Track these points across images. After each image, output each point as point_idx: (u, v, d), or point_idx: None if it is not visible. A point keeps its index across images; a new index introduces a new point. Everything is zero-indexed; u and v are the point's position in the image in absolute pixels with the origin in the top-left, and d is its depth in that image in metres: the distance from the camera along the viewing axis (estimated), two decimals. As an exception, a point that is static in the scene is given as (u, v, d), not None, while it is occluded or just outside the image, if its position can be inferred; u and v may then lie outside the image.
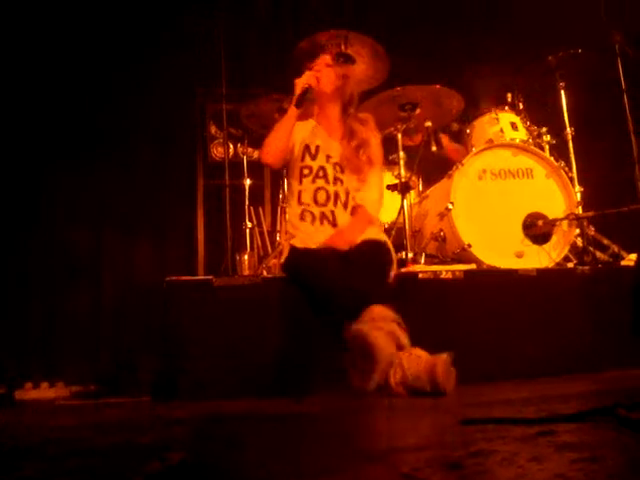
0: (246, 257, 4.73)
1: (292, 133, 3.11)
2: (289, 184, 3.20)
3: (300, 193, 3.08)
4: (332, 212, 3.03)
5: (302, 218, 3.04)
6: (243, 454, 1.24)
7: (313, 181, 3.07)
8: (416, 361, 2.35)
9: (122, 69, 5.25)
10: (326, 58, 3.21)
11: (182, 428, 1.85)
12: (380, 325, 2.39)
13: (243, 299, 2.97)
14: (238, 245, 4.80)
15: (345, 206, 3.04)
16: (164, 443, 1.46)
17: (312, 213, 3.03)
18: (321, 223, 3.02)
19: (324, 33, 3.99)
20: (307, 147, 3.12)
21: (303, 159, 3.11)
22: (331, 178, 3.07)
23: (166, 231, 5.56)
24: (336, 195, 3.05)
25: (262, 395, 2.77)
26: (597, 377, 2.85)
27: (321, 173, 3.07)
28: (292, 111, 3.07)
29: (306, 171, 3.09)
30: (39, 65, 5.09)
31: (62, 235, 5.08)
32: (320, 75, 3.11)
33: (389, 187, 3.89)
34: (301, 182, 3.09)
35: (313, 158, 3.10)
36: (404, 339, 2.43)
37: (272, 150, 3.08)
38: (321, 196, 3.04)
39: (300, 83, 3.07)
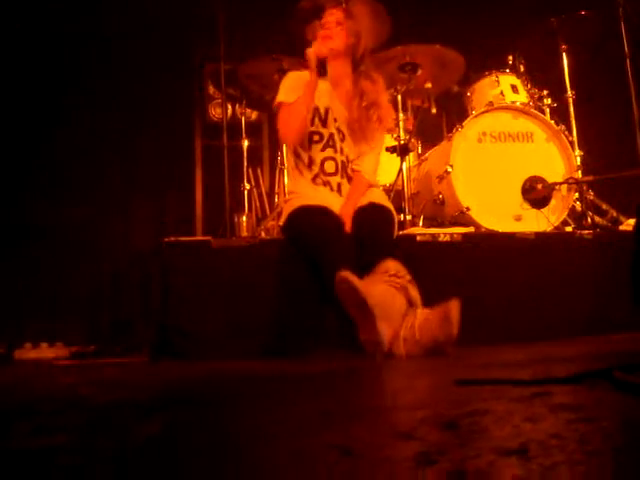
0: (244, 218, 4.73)
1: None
2: (294, 147, 3.00)
3: (310, 159, 2.94)
4: (339, 184, 2.93)
5: (315, 183, 2.93)
6: (238, 414, 1.24)
7: (323, 149, 2.93)
8: (427, 314, 2.36)
9: (118, 26, 5.16)
10: (337, 15, 2.95)
11: (180, 388, 1.86)
12: (393, 279, 2.40)
13: (241, 260, 2.97)
14: (236, 206, 4.79)
15: (349, 178, 2.95)
16: (162, 402, 1.47)
17: (325, 181, 2.92)
18: (336, 191, 2.93)
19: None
20: (317, 110, 2.94)
21: (313, 123, 2.93)
22: (338, 147, 2.94)
23: (164, 192, 5.54)
24: (343, 165, 2.94)
25: (260, 356, 2.79)
26: (596, 340, 2.86)
27: (331, 142, 2.93)
28: (312, 84, 2.83)
29: (316, 137, 2.93)
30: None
31: (59, 197, 5.05)
32: (331, 35, 2.90)
33: (388, 149, 3.86)
34: (310, 148, 2.94)
35: (324, 124, 2.94)
36: (416, 296, 2.43)
37: (294, 131, 2.86)
38: (330, 166, 2.93)
39: (312, 54, 2.83)
